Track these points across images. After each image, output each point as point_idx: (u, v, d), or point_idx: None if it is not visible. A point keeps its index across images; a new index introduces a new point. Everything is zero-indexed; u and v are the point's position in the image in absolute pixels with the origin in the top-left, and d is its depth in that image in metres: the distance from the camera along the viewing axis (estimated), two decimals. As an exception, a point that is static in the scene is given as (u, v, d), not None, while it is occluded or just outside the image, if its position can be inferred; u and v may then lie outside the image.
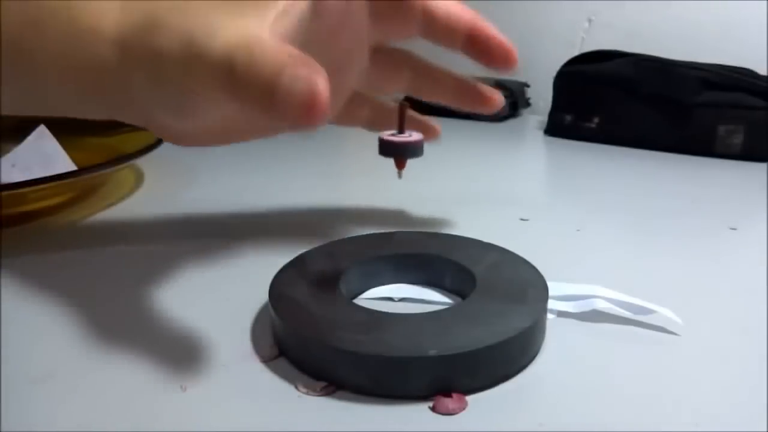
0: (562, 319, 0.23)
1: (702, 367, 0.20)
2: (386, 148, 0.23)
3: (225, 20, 0.18)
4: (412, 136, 0.23)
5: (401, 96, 0.29)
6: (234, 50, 0.17)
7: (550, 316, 0.23)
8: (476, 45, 0.23)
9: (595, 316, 0.23)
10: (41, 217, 0.36)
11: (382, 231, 0.28)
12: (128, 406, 0.18)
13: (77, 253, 0.31)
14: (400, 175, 0.24)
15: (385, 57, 0.27)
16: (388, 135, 0.23)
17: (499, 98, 0.28)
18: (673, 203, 0.40)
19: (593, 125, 0.60)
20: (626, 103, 0.58)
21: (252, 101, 0.17)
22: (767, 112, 0.52)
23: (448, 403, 0.18)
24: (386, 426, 0.17)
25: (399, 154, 0.23)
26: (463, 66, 0.26)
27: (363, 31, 0.22)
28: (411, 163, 0.25)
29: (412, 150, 0.22)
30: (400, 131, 0.23)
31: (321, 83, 0.16)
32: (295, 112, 0.16)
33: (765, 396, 0.19)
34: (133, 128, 0.48)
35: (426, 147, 0.24)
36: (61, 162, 0.42)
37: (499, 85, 0.77)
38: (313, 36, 0.19)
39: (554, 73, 0.64)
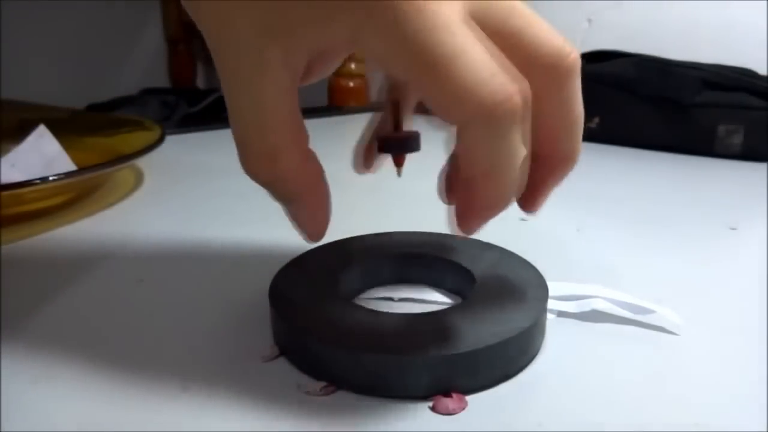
0: (562, 319, 0.23)
1: (702, 367, 0.20)
2: (382, 145, 0.23)
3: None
4: (407, 131, 0.23)
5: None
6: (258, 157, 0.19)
7: (550, 316, 0.23)
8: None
9: (595, 316, 0.23)
10: (41, 217, 0.36)
11: (382, 231, 0.28)
12: (128, 406, 0.18)
13: (77, 253, 0.31)
14: (399, 173, 0.24)
15: None
16: (384, 132, 0.23)
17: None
18: (673, 203, 0.40)
19: (593, 125, 0.60)
20: (626, 103, 0.58)
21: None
22: (767, 112, 0.52)
23: (448, 403, 0.18)
24: (386, 426, 0.17)
25: (396, 149, 0.23)
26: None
27: None
28: (411, 163, 0.24)
29: (409, 144, 0.22)
30: (396, 127, 0.23)
31: (320, 229, 0.21)
32: (296, 228, 0.21)
33: (765, 396, 0.19)
34: (133, 128, 0.49)
35: (427, 146, 0.24)
36: (61, 162, 0.42)
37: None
38: None
39: (554, 73, 0.64)
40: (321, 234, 0.21)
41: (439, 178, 0.24)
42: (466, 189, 0.19)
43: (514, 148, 0.17)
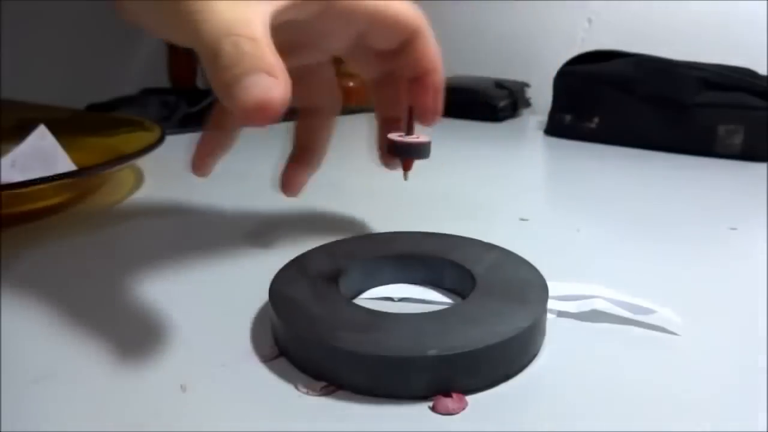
0: (562, 319, 0.23)
1: (702, 367, 0.20)
2: (393, 149, 0.23)
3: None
4: (420, 137, 0.23)
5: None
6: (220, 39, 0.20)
7: (550, 316, 0.23)
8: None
9: (595, 316, 0.23)
10: (41, 217, 0.36)
11: (382, 231, 0.28)
12: (128, 406, 0.18)
13: (76, 253, 0.31)
14: (406, 177, 0.24)
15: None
16: (396, 136, 0.23)
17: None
18: (673, 203, 0.40)
19: (593, 125, 0.60)
20: (626, 103, 0.58)
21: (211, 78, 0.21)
22: (767, 112, 0.52)
23: (448, 403, 0.18)
24: (386, 426, 0.17)
25: (406, 154, 0.23)
26: (467, 64, 0.26)
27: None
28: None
29: (419, 151, 0.23)
30: (408, 132, 0.23)
31: (278, 91, 0.19)
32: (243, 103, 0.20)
33: (765, 396, 0.19)
34: (133, 128, 0.49)
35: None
36: (61, 162, 0.42)
37: (500, 85, 0.77)
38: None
39: (554, 73, 0.64)
40: (282, 101, 0.19)
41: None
42: (426, 88, 0.26)
43: None
